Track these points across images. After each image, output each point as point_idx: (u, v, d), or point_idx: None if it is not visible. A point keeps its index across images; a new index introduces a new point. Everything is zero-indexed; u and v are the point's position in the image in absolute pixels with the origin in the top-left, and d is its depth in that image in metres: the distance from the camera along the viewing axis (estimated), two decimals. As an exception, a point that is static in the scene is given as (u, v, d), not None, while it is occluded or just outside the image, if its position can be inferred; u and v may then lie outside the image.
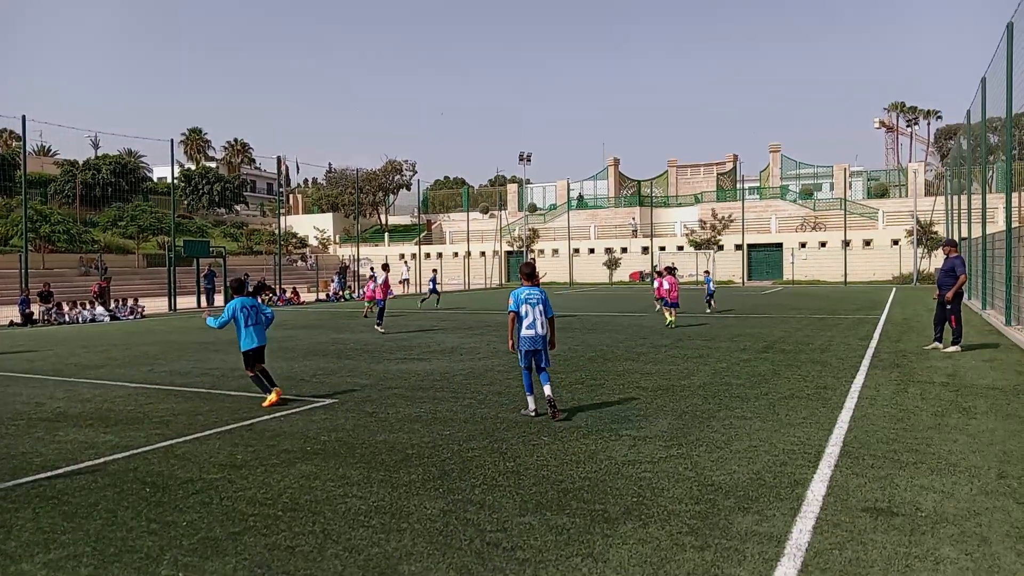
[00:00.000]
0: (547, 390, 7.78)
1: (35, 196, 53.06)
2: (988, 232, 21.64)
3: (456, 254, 59.87)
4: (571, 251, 57.08)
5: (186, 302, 32.29)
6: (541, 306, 7.77)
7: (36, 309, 25.26)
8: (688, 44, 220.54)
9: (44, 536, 4.68)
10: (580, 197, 69.26)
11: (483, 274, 56.69)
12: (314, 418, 8.18)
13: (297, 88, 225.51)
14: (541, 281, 8.34)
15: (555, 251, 58.42)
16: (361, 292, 42.34)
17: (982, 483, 5.38)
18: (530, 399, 7.99)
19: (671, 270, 19.27)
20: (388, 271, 19.53)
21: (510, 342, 8.07)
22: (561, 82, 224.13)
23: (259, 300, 10.14)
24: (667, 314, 18.43)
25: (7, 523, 4.94)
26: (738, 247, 51.17)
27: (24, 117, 26.84)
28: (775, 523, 4.64)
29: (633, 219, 60.56)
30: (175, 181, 36.98)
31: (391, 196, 75.26)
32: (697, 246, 50.39)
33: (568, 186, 68.32)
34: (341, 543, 4.47)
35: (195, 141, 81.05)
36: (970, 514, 4.75)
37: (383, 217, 75.18)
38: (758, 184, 65.81)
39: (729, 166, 68.13)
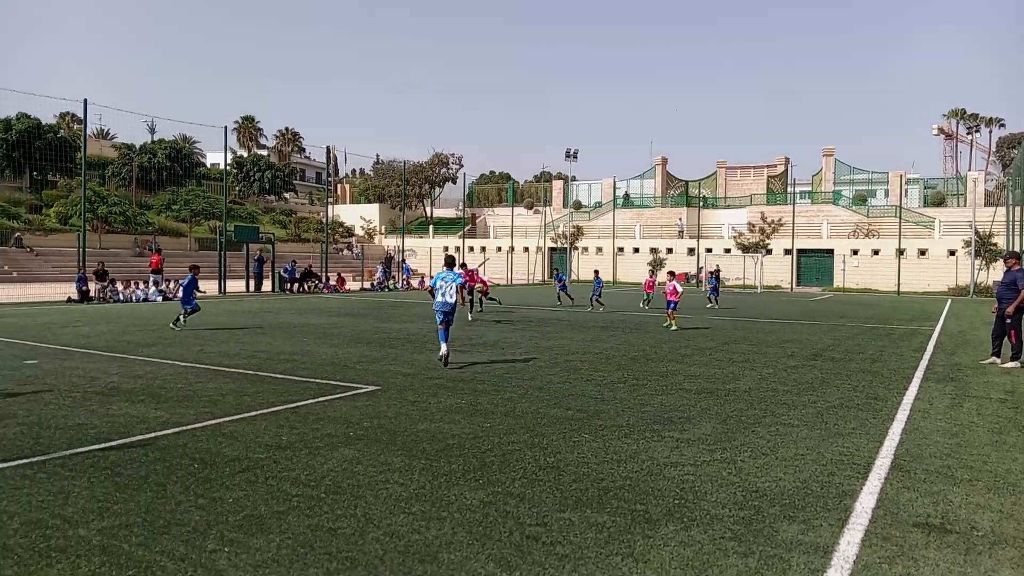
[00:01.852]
0: (444, 348, 10.97)
1: (94, 178, 54.66)
2: (1053, 245, 20.80)
3: (499, 248, 59.97)
4: (615, 250, 56.72)
5: (235, 286, 32.99)
6: (453, 283, 11.10)
7: (92, 287, 26.07)
8: (738, 44, 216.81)
9: (98, 504, 4.82)
10: (626, 196, 68.70)
11: (526, 269, 56.77)
12: (357, 404, 8.27)
13: (348, 79, 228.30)
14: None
15: (599, 249, 58.10)
16: (404, 282, 42.67)
17: (1042, 504, 5.17)
18: (443, 346, 11.02)
19: (673, 274, 20.12)
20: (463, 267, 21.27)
21: (433, 300, 11.24)
22: (609, 80, 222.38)
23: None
24: (670, 318, 18.38)
25: (65, 490, 5.10)
26: (787, 252, 50.17)
27: (86, 101, 27.73)
28: (821, 533, 4.53)
29: (680, 220, 59.86)
30: (227, 167, 37.75)
31: (437, 189, 75.75)
32: (745, 249, 49.55)
33: (614, 184, 67.85)
34: (382, 528, 4.50)
35: (247, 129, 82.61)
36: (1029, 535, 4.56)
37: (428, 209, 75.71)
38: (810, 188, 64.38)
39: (780, 169, 66.80)
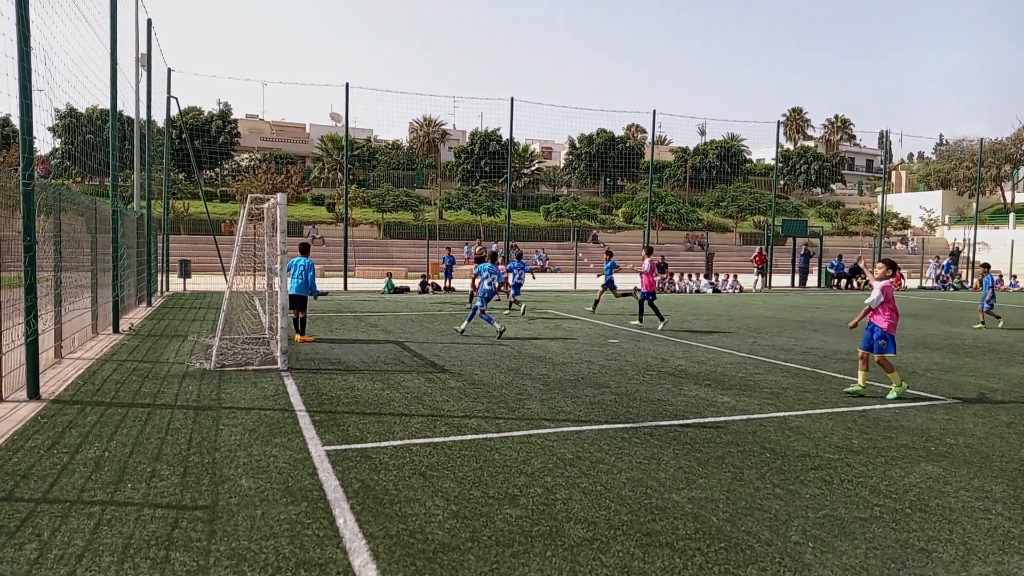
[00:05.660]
0: None
1: (654, 180, 61.29)
2: None
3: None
4: None
5: (779, 280, 33.09)
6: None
7: (657, 279, 29.33)
8: None
9: (685, 475, 5.33)
10: None
11: None
12: (935, 417, 7.40)
13: (905, 56, 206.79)
14: None
15: None
16: (975, 281, 36.78)
17: None
18: None
19: None
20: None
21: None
22: None
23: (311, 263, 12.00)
24: None
25: (655, 456, 5.79)
26: None
27: (655, 112, 31.09)
28: None
29: None
30: (777, 162, 38.00)
31: (1020, 169, 63.06)
32: None
33: None
34: (990, 564, 3.90)
35: (795, 121, 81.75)
36: None
37: (1008, 194, 63.63)
38: None
39: None
